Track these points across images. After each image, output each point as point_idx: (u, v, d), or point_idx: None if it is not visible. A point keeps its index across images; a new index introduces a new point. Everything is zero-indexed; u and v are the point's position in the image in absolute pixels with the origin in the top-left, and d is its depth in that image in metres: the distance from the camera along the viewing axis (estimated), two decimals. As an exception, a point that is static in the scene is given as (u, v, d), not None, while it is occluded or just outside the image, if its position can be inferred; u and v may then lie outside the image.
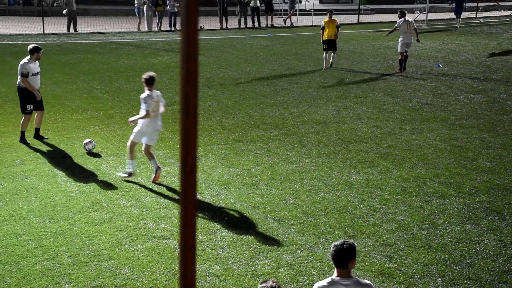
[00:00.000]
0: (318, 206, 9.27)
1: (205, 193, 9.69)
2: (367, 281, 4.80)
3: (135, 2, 30.36)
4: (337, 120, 14.17)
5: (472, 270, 7.43)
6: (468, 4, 35.38)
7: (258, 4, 31.97)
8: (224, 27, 31.20)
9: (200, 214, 8.85)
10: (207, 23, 30.60)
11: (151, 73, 10.11)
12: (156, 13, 30.25)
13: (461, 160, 11.49)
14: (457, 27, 31.28)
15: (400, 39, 19.91)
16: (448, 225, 8.68)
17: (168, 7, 29.92)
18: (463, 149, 12.17)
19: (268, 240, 8.12)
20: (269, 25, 32.40)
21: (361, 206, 9.30)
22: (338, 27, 20.29)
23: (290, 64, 21.37)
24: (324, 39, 20.25)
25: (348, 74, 19.57)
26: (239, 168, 10.87)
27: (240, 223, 8.64)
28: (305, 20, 33.92)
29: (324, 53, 20.37)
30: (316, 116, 14.47)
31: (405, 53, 19.87)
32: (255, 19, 32.01)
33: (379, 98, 16.39)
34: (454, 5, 31.39)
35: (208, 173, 10.58)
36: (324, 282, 4.80)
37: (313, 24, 32.81)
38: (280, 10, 35.54)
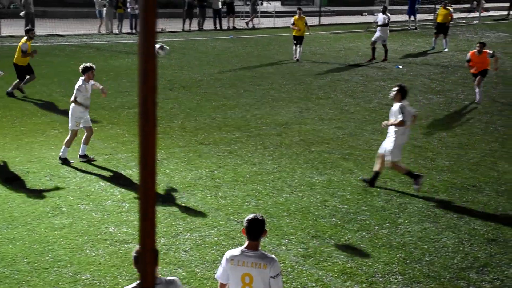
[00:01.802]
0: (280, 207, 9.31)
1: (167, 196, 9.63)
2: (272, 255, 5.01)
3: (96, 4, 29.99)
4: (299, 122, 14.25)
5: (432, 267, 7.56)
6: (426, 6, 36.01)
7: (220, 6, 31.94)
8: (187, 29, 31.07)
9: (162, 217, 8.78)
10: (169, 25, 30.43)
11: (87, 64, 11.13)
12: (117, 15, 29.94)
13: (420, 160, 11.68)
14: (415, 28, 31.77)
15: (377, 32, 22.61)
16: (408, 224, 8.81)
17: (128, 9, 29.66)
18: (423, 149, 12.38)
19: (231, 242, 8.11)
20: (231, 27, 32.40)
21: (323, 206, 9.37)
22: (306, 24, 22.54)
23: (252, 66, 21.42)
24: (294, 35, 22.47)
25: (310, 76, 19.71)
26: (202, 171, 10.83)
27: (203, 226, 8.61)
28: (267, 22, 34.02)
29: (294, 46, 22.55)
30: (279, 118, 14.53)
31: (383, 44, 22.43)
32: (217, 21, 31.97)
33: (341, 99, 16.55)
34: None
35: (170, 176, 10.52)
36: (235, 251, 5.01)
37: (275, 26, 32.94)
38: (242, 12, 35.58)
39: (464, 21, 35.17)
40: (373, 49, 22.67)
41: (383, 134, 13.28)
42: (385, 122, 10.04)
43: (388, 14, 22.95)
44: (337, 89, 17.83)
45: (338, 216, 9.02)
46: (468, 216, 9.14)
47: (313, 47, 26.19)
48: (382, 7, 23.85)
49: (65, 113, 14.69)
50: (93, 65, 11.21)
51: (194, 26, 31.45)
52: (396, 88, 9.73)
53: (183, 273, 7.29)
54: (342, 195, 9.83)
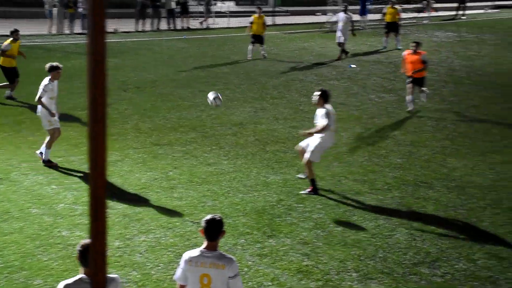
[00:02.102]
0: (236, 207, 9.32)
1: (122, 198, 9.52)
2: (230, 256, 5.06)
3: (45, 3, 29.40)
4: (254, 121, 14.29)
5: (385, 264, 7.69)
6: (378, 6, 36.55)
7: (174, 6, 31.73)
8: (140, 29, 30.75)
9: (116, 220, 8.68)
10: (122, 25, 30.07)
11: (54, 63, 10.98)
12: (68, 15, 29.41)
13: (374, 158, 11.86)
14: (363, 28, 32.22)
15: (338, 32, 23.13)
16: (363, 221, 8.94)
17: (80, 9, 29.17)
18: (376, 147, 12.57)
19: (187, 243, 8.08)
20: (185, 27, 32.23)
21: (279, 205, 9.42)
22: (265, 23, 23.02)
23: (207, 66, 21.36)
24: (252, 33, 22.71)
25: (265, 76, 19.78)
26: (157, 172, 10.75)
27: (158, 227, 8.54)
28: (221, 22, 33.98)
29: (251, 46, 22.64)
30: (234, 118, 14.54)
31: (343, 43, 22.96)
32: (171, 21, 31.76)
33: (295, 99, 16.66)
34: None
35: (124, 178, 10.40)
36: (194, 252, 5.02)
37: (229, 26, 32.93)
38: (196, 12, 35.44)
39: (414, 21, 35.85)
40: (342, 49, 23.19)
41: (337, 132, 13.41)
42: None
43: (350, 14, 23.44)
44: (292, 89, 17.95)
45: (294, 215, 9.08)
46: (420, 212, 9.33)
47: (268, 47, 26.26)
48: (343, 6, 24.28)
49: (13, 115, 14.37)
50: (60, 65, 11.07)
51: (148, 26, 31.16)
52: (318, 93, 9.85)
53: (138, 276, 7.22)
54: (298, 194, 9.90)
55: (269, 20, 34.32)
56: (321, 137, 9.85)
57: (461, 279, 7.39)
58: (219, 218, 5.01)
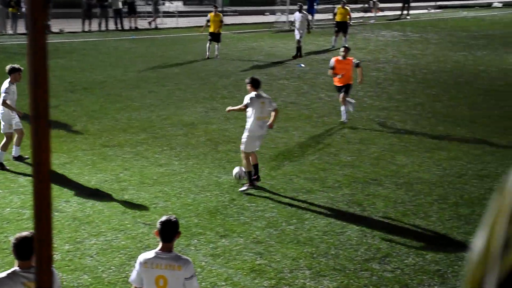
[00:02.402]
0: (189, 208, 9.28)
1: (71, 201, 9.35)
2: (186, 257, 5.11)
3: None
4: (205, 122, 14.25)
5: (337, 260, 7.80)
6: (326, 6, 36.99)
7: (121, 6, 31.32)
8: (87, 29, 30.23)
9: (66, 223, 8.52)
10: (68, 25, 29.50)
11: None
12: (10, 14, 28.64)
13: (324, 156, 12.00)
14: (312, 27, 32.54)
15: (296, 31, 23.49)
16: (315, 219, 9.04)
17: (23, 8, 28.46)
18: (326, 145, 12.73)
19: (139, 245, 8.00)
20: (133, 27, 31.86)
21: (232, 205, 9.43)
22: (221, 21, 23.47)
23: (157, 66, 21.17)
24: (210, 31, 23.10)
25: (214, 75, 19.75)
26: (107, 174, 10.60)
27: (109, 230, 8.43)
28: (170, 22, 33.73)
29: (208, 43, 22.83)
30: (184, 118, 14.47)
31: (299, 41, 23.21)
32: (118, 21, 31.34)
33: (245, 99, 16.68)
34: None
35: (74, 180, 10.21)
36: (149, 254, 5.04)
37: (178, 26, 32.72)
38: (144, 12, 35.08)
39: (361, 21, 36.44)
40: (298, 48, 23.55)
41: (288, 131, 13.56)
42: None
43: (305, 12, 24.08)
44: (242, 89, 17.95)
45: (246, 214, 9.10)
46: (370, 208, 9.50)
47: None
48: (298, 6, 24.66)
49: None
50: (20, 67, 10.89)
51: (95, 26, 30.66)
52: (247, 81, 10.30)
53: (89, 279, 7.11)
54: (250, 193, 9.93)
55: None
56: (248, 129, 10.10)
57: (410, 273, 7.56)
58: (174, 220, 5.00)
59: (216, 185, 10.25)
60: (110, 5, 30.97)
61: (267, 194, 9.91)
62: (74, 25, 30.13)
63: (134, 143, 12.40)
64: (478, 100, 16.83)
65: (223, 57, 23.41)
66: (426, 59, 23.58)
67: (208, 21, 23.30)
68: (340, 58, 14.30)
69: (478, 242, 0.84)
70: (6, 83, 10.77)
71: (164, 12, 35.33)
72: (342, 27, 26.22)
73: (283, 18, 34.25)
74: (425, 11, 43.13)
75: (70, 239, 8.08)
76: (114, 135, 12.96)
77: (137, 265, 4.98)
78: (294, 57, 23.29)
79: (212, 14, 23.39)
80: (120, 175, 10.58)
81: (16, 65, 10.97)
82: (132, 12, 32.18)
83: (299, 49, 23.61)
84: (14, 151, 11.12)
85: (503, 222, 0.80)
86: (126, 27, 31.64)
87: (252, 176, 10.04)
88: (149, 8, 34.67)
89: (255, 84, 10.07)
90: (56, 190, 9.57)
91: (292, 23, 24.98)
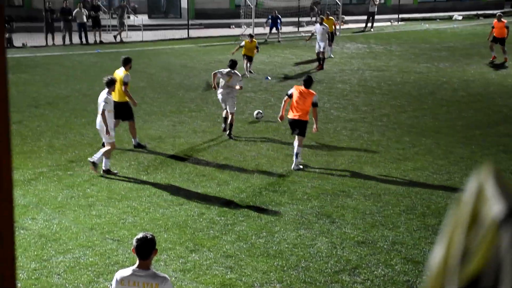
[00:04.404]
0: (158, 222, 9.20)
1: (37, 218, 9.19)
2: (164, 274, 5.09)
3: None
4: (173, 135, 14.19)
5: (308, 273, 7.82)
6: (291, 19, 37.28)
7: (85, 20, 31.02)
8: (50, 43, 29.86)
9: (32, 241, 8.36)
10: (30, 39, 29.10)
11: None
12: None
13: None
14: (279, 40, 32.76)
15: (319, 42, 23.93)
16: (284, 232, 9.05)
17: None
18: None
19: (107, 261, 7.89)
20: (97, 41, 31.59)
21: (201, 219, 9.38)
22: (257, 47, 23.28)
23: (122, 80, 20.98)
24: (247, 54, 22.97)
25: (181, 89, 19.69)
26: (74, 190, 10.46)
27: (77, 247, 8.30)
28: (135, 36, 33.56)
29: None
30: (152, 132, 14.38)
31: (321, 52, 23.80)
32: (83, 35, 31.03)
33: (213, 111, 16.67)
34: (270, 21, 32.93)
35: (39, 197, 10.05)
36: (126, 271, 5.00)
37: (143, 40, 32.57)
38: (109, 26, 34.83)
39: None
40: (318, 59, 24.14)
41: (256, 144, 13.59)
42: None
43: (326, 25, 24.61)
44: (209, 101, 17.96)
45: (216, 228, 9.07)
46: (339, 220, 9.55)
47: (183, 60, 26.21)
48: (319, 18, 25.48)
49: None
50: None
51: (58, 40, 30.31)
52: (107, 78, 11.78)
53: (57, 298, 6.98)
54: (219, 207, 9.90)
55: (183, 33, 34.30)
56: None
57: (380, 284, 7.62)
58: (151, 237, 4.96)
59: (185, 199, 10.20)
60: (74, 19, 30.66)
61: (236, 208, 9.90)
62: (37, 39, 29.74)
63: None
64: (441, 111, 17.12)
65: (188, 71, 23.40)
66: (391, 70, 23.93)
67: (241, 46, 22.91)
68: (302, 87, 12.09)
69: (437, 253, 0.84)
70: None
71: (129, 25, 35.14)
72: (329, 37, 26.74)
73: (248, 31, 34.41)
74: (388, 23, 43.81)
75: (37, 257, 7.93)
76: (81, 150, 12.80)
77: (113, 283, 4.92)
78: (319, 69, 23.80)
79: (248, 41, 23.04)
80: (87, 190, 10.45)
81: None
82: (97, 25, 31.90)
83: (321, 60, 24.06)
84: None
85: (460, 233, 0.81)
86: (91, 41, 31.35)
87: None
88: (114, 22, 34.44)
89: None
90: (22, 207, 9.40)
91: (312, 35, 25.66)
